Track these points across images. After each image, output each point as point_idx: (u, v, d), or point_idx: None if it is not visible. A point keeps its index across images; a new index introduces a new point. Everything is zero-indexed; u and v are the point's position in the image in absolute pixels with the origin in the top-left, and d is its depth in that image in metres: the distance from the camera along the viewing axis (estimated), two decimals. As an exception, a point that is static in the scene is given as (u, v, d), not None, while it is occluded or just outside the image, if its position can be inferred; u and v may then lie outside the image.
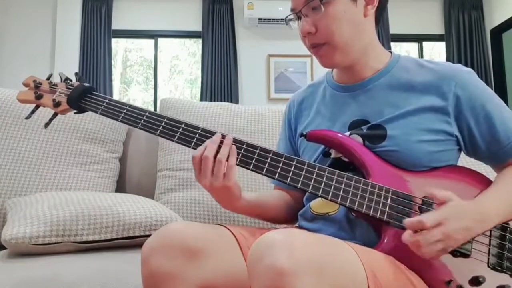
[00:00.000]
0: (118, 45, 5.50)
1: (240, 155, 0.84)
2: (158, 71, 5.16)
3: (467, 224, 0.73)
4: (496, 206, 0.78)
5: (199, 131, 0.86)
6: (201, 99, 4.81)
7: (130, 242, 1.14)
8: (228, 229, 0.85)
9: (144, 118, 0.89)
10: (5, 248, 1.11)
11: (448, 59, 4.98)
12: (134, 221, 1.12)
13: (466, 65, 0.91)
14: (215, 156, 0.80)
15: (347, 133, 0.89)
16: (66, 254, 1.06)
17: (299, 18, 0.89)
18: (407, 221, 0.72)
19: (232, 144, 0.83)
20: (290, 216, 1.02)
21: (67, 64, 4.63)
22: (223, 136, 0.83)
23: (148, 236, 0.94)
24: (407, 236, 0.71)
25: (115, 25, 4.90)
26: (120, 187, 1.54)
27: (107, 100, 0.93)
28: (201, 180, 0.82)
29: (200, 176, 0.82)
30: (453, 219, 0.72)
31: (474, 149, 0.88)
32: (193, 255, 0.75)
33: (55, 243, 1.04)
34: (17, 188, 1.32)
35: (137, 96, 5.73)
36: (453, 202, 0.74)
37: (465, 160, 0.96)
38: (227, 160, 0.81)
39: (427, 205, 0.78)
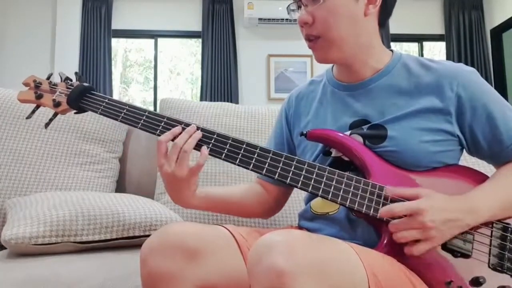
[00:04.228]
0: (118, 45, 5.50)
1: (240, 155, 0.84)
2: (158, 71, 5.16)
3: (451, 215, 0.74)
4: (488, 198, 0.79)
5: (199, 131, 0.86)
6: (201, 99, 4.81)
7: (130, 242, 1.14)
8: (227, 230, 0.85)
9: (144, 118, 0.89)
10: (5, 248, 1.11)
11: (448, 59, 4.97)
12: (134, 221, 1.12)
13: (466, 65, 0.91)
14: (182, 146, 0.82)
15: (348, 133, 0.89)
16: (66, 254, 1.06)
17: (299, 7, 0.89)
18: (379, 211, 0.77)
19: (231, 142, 0.84)
20: (260, 213, 1.06)
21: (67, 64, 4.63)
22: (198, 128, 0.86)
23: (148, 236, 0.94)
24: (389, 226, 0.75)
25: (115, 25, 4.89)
26: (120, 187, 1.54)
27: (106, 100, 0.92)
28: (163, 165, 0.83)
29: (163, 162, 0.83)
30: (430, 209, 0.73)
31: (476, 149, 0.88)
32: (192, 255, 0.75)
33: (55, 243, 1.04)
34: (17, 188, 1.32)
35: (137, 96, 5.73)
36: (426, 196, 0.76)
37: (465, 160, 0.96)
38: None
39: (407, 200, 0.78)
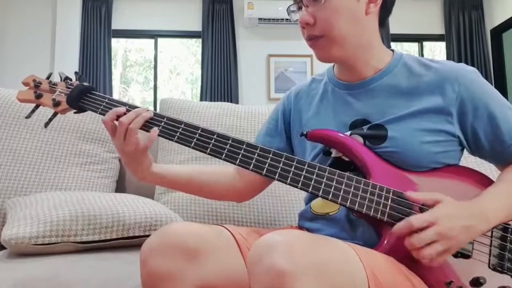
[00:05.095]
0: (118, 45, 5.50)
1: (240, 155, 0.84)
2: (158, 71, 5.16)
3: (466, 223, 0.73)
4: (496, 203, 0.78)
5: (199, 131, 0.86)
6: (201, 99, 4.81)
7: (130, 242, 1.14)
8: (227, 230, 0.85)
9: (162, 124, 0.88)
10: (5, 248, 1.11)
11: (448, 59, 4.94)
12: (134, 221, 1.12)
13: (466, 65, 0.92)
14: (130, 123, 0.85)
15: (348, 133, 0.89)
16: (66, 254, 1.06)
17: (300, 8, 0.89)
18: (395, 227, 0.72)
19: (231, 142, 0.84)
20: (231, 197, 1.07)
21: (67, 64, 4.62)
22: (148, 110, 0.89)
23: (148, 236, 0.94)
24: (405, 241, 0.71)
25: (115, 25, 4.89)
26: (120, 187, 1.54)
27: (106, 100, 0.92)
28: (113, 141, 0.88)
29: (113, 138, 0.88)
30: (447, 218, 0.72)
31: (478, 149, 0.88)
32: (192, 255, 0.75)
33: (55, 243, 1.04)
34: (17, 188, 1.32)
35: (137, 96, 5.72)
36: (445, 202, 0.74)
37: (465, 160, 0.96)
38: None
39: (427, 205, 0.77)
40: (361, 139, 0.87)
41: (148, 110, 0.88)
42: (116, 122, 0.87)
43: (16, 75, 4.38)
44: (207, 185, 1.00)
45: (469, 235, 0.74)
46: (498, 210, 0.78)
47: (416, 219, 0.71)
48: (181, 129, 0.87)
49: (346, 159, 0.88)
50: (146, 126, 0.88)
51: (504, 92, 4.96)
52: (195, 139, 0.86)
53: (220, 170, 1.03)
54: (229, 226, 0.87)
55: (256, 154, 0.83)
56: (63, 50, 4.70)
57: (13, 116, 1.42)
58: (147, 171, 0.92)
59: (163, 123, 0.88)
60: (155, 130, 0.87)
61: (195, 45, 5.41)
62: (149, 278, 0.76)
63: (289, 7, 0.92)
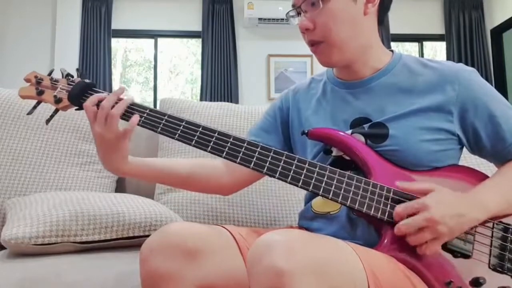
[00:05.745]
0: (118, 45, 5.50)
1: (241, 153, 0.84)
2: (158, 71, 5.16)
3: (459, 210, 0.74)
4: (494, 192, 0.79)
5: (200, 129, 0.86)
6: (201, 99, 4.81)
7: (130, 242, 1.13)
8: (227, 230, 0.85)
9: (145, 115, 0.88)
10: (5, 248, 1.11)
11: (448, 59, 4.97)
12: (134, 221, 1.12)
13: (466, 65, 0.93)
14: (112, 108, 0.85)
15: (349, 132, 0.89)
16: (66, 254, 1.05)
17: (299, 14, 0.89)
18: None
19: (231, 141, 0.84)
20: (216, 190, 1.05)
21: (67, 64, 4.62)
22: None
23: (148, 236, 0.94)
24: (395, 229, 0.73)
25: (115, 25, 4.90)
26: (120, 187, 1.54)
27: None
28: (94, 127, 0.86)
29: (93, 124, 0.86)
30: (437, 204, 0.73)
31: (479, 148, 0.88)
32: (192, 255, 0.75)
33: (55, 243, 1.04)
34: (17, 188, 1.32)
35: (137, 96, 5.72)
36: (437, 191, 0.75)
37: (465, 160, 0.96)
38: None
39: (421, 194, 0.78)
40: (362, 138, 0.87)
41: (128, 97, 0.88)
42: (95, 108, 0.86)
43: (16, 75, 4.36)
44: (195, 179, 0.99)
45: (462, 224, 0.74)
46: (496, 199, 0.78)
47: (401, 206, 0.73)
48: (182, 127, 0.87)
49: (347, 158, 0.88)
50: (127, 115, 0.88)
51: (504, 92, 4.96)
52: (195, 137, 0.86)
53: (208, 165, 1.01)
54: (229, 226, 0.87)
55: (256, 153, 0.83)
56: (63, 50, 4.70)
57: (13, 116, 1.42)
58: (123, 161, 0.91)
59: (164, 120, 0.88)
60: (135, 117, 0.86)
61: (195, 45, 5.41)
62: (149, 278, 0.76)
63: (288, 12, 0.92)
